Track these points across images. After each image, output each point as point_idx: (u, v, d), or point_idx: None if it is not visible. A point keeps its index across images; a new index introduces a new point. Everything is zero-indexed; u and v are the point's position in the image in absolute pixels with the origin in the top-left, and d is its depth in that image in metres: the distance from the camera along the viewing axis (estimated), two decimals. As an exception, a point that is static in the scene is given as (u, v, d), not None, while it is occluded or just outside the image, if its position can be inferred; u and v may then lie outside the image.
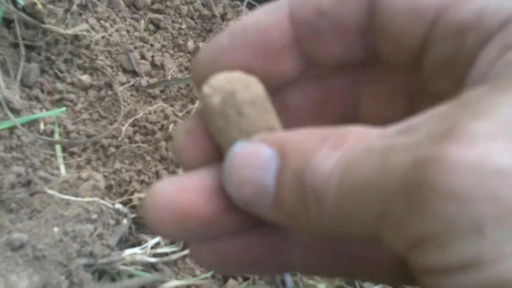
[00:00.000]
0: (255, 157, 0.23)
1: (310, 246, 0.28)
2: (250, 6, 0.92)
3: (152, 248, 0.71)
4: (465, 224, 0.16)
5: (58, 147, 0.76)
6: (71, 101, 0.81)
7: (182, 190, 0.25)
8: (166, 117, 0.79)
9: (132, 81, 0.83)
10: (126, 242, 0.72)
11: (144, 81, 0.82)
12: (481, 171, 0.16)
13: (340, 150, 0.21)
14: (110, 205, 0.70)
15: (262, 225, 0.26)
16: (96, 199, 0.70)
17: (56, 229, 0.67)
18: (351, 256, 0.28)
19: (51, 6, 0.83)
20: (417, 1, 0.24)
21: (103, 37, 0.84)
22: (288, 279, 0.63)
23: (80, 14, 0.86)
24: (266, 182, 0.23)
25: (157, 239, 0.72)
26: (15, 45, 0.83)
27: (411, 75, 0.28)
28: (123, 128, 0.77)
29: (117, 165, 0.75)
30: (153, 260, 0.70)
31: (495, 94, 0.18)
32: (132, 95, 0.82)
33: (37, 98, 0.80)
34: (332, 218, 0.21)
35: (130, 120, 0.77)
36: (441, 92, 0.26)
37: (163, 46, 0.87)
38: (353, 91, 0.30)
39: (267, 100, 0.26)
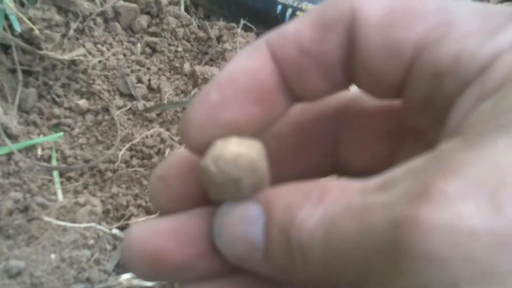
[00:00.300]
0: (244, 214, 0.24)
1: None
2: (246, 28, 0.92)
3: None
4: (442, 286, 0.16)
5: (55, 173, 0.77)
6: (69, 126, 0.81)
7: (154, 234, 0.26)
8: (162, 141, 0.79)
9: (129, 104, 0.83)
10: (123, 266, 0.72)
11: (140, 104, 0.83)
12: (454, 232, 0.16)
13: (322, 207, 0.21)
14: (107, 230, 0.71)
15: (241, 271, 0.26)
16: (93, 224, 0.70)
17: (53, 256, 0.67)
18: None
19: (48, 32, 0.84)
20: (395, 39, 0.24)
21: (100, 61, 0.85)
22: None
23: (77, 39, 0.87)
24: (255, 237, 0.23)
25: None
26: (13, 71, 0.83)
27: (390, 114, 0.28)
28: (120, 153, 0.77)
29: (114, 189, 0.75)
30: (150, 284, 0.70)
31: (467, 149, 0.18)
32: (129, 119, 0.82)
33: (34, 123, 0.80)
34: (318, 273, 0.21)
35: (127, 145, 0.77)
36: (422, 128, 0.26)
37: (159, 69, 0.88)
38: (331, 137, 0.30)
39: (266, 173, 0.25)
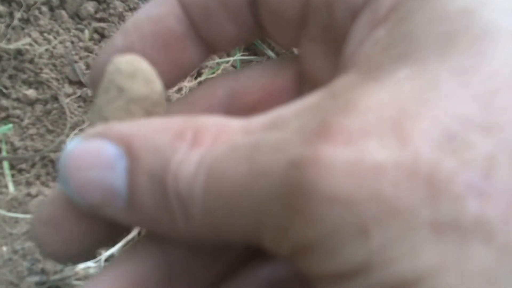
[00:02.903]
0: (97, 156, 0.20)
1: None
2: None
3: (106, 260, 0.69)
4: (349, 228, 0.15)
5: (5, 164, 0.75)
6: (18, 117, 0.79)
7: None
8: (114, 126, 0.77)
9: (79, 92, 0.81)
10: (79, 256, 0.71)
11: (90, 91, 0.81)
12: (359, 169, 0.15)
13: (200, 148, 0.19)
14: (60, 220, 0.69)
15: None
16: (45, 214, 0.68)
17: (4, 248, 0.66)
18: None
19: (-9, 22, 0.82)
20: None
21: (47, 49, 0.83)
22: None
23: (23, 29, 0.85)
24: (114, 183, 0.20)
25: (110, 251, 0.70)
26: (-43, 64, 0.81)
27: (295, 61, 0.27)
28: (68, 140, 0.75)
29: (67, 178, 0.74)
30: (107, 272, 0.69)
31: (364, 83, 0.17)
32: (79, 106, 0.81)
33: (-18, 117, 0.78)
34: (202, 225, 0.19)
35: (75, 131, 0.76)
36: (321, 77, 0.24)
37: (108, 54, 0.86)
38: None
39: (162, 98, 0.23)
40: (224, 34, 0.26)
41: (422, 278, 0.14)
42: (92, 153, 0.20)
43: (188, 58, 0.26)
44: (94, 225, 0.23)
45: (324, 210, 0.15)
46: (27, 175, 0.75)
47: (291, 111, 0.18)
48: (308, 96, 0.18)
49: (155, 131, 0.20)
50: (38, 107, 0.80)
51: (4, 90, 0.81)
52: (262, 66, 0.28)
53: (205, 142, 0.19)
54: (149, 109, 0.22)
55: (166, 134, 0.19)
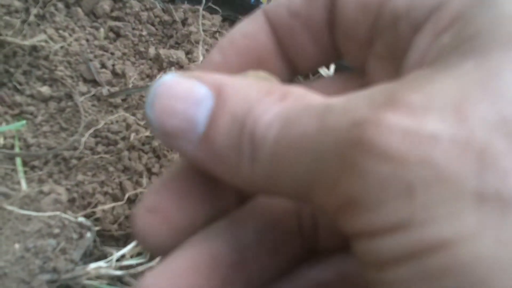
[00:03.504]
0: (187, 90, 0.22)
1: None
2: (211, 10, 0.91)
3: (117, 260, 0.69)
4: (396, 186, 0.16)
5: (18, 161, 0.74)
6: (31, 113, 0.79)
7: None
8: (128, 126, 0.77)
9: (93, 90, 0.81)
10: (90, 255, 0.71)
11: (105, 90, 0.81)
12: (416, 136, 0.17)
13: (282, 105, 0.21)
14: (72, 219, 0.69)
15: None
16: (58, 213, 0.68)
17: (17, 246, 0.66)
18: None
19: (7, 18, 0.81)
20: None
21: (62, 47, 0.83)
22: None
23: (38, 25, 0.84)
24: (196, 117, 0.22)
25: (122, 251, 0.70)
26: (-28, 59, 0.81)
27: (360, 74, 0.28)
28: (83, 139, 0.75)
29: (80, 177, 0.74)
30: (119, 273, 0.69)
31: (431, 73, 0.19)
32: (93, 105, 0.81)
33: (-4, 112, 0.78)
34: (264, 170, 0.21)
35: (90, 131, 0.76)
36: None
37: (123, 54, 0.86)
38: None
39: None
40: (307, 55, 0.28)
41: (460, 240, 0.16)
42: (184, 87, 0.22)
43: (279, 75, 0.28)
44: (200, 211, 0.25)
45: (376, 166, 0.17)
46: (40, 172, 0.75)
47: (363, 91, 0.20)
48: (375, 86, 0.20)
49: (247, 85, 0.22)
50: (52, 105, 0.80)
51: (18, 86, 0.81)
52: (332, 78, 0.30)
53: (288, 101, 0.21)
54: None
55: (258, 89, 0.22)
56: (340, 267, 0.27)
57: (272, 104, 0.21)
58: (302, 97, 0.21)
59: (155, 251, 0.25)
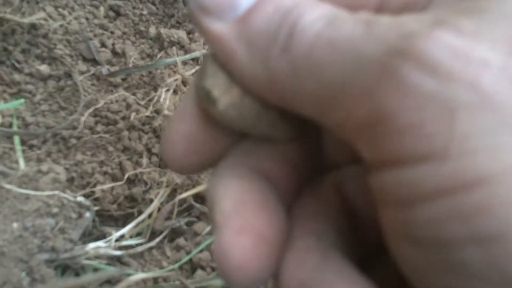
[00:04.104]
0: None
1: None
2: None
3: (116, 241, 0.69)
4: (438, 105, 0.15)
5: (16, 140, 0.74)
6: (30, 92, 0.78)
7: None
8: (128, 106, 0.76)
9: (93, 70, 0.80)
10: (89, 235, 0.70)
11: (105, 69, 0.80)
12: (466, 56, 0.15)
13: (330, 7, 0.19)
14: (71, 198, 0.68)
15: None
16: (56, 192, 0.68)
17: (15, 225, 0.65)
18: None
19: (6, -5, 0.80)
20: None
21: (61, 25, 0.82)
22: None
23: (37, 2, 0.83)
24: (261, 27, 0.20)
25: (121, 231, 0.70)
26: (-30, 36, 0.80)
27: None
28: (82, 119, 0.74)
29: (79, 156, 0.73)
30: (118, 253, 0.68)
31: (482, 4, 0.17)
32: (92, 84, 0.80)
33: (-7, 90, 0.77)
34: (291, 65, 0.19)
35: (90, 110, 0.75)
36: None
37: (123, 33, 0.85)
38: None
39: None
40: None
41: (500, 177, 0.14)
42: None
43: None
44: (225, 136, 0.24)
45: (421, 78, 0.15)
46: (38, 151, 0.74)
47: (410, 15, 0.18)
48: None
49: None
50: (51, 83, 0.79)
51: (16, 65, 0.80)
52: None
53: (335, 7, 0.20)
54: None
55: None
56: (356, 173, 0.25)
57: (320, 5, 0.19)
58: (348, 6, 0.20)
59: (184, 171, 0.25)
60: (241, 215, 0.21)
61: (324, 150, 0.26)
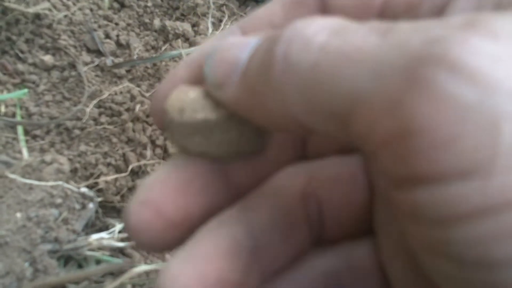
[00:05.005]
0: (241, 40, 0.21)
1: None
2: (218, -17, 0.90)
3: (119, 232, 0.69)
4: (481, 117, 0.14)
5: (20, 130, 0.73)
6: (33, 82, 0.78)
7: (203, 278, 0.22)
8: (132, 97, 0.76)
9: (97, 61, 0.80)
10: (92, 226, 0.70)
11: (109, 61, 0.80)
12: (505, 63, 0.14)
13: (330, 20, 0.18)
14: (75, 189, 0.68)
15: None
16: (60, 183, 0.67)
17: (19, 215, 0.65)
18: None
19: (10, -16, 0.80)
20: None
21: (65, 16, 0.81)
22: None
23: (41, -8, 0.83)
24: (239, 58, 0.20)
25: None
26: (-27, 25, 0.79)
27: None
28: (87, 110, 0.74)
29: (82, 147, 0.73)
30: (121, 244, 0.68)
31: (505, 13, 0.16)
32: (96, 76, 0.79)
33: (-3, 80, 0.77)
34: (296, 85, 0.17)
35: (94, 101, 0.74)
36: None
37: (128, 24, 0.84)
38: None
39: None
40: None
41: None
42: (240, 40, 0.21)
43: None
44: (196, 204, 0.23)
45: (460, 88, 0.14)
46: (42, 141, 0.74)
47: (431, 20, 0.17)
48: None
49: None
50: (55, 74, 0.79)
51: (20, 54, 0.79)
52: None
53: (335, 18, 0.18)
54: None
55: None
56: (347, 255, 0.25)
57: (317, 18, 0.18)
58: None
59: (149, 246, 0.24)
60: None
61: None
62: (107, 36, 0.82)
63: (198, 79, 0.24)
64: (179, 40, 0.82)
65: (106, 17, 0.84)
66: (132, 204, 0.23)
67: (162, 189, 0.23)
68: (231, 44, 0.21)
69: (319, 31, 0.17)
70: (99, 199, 0.70)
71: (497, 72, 0.14)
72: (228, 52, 0.21)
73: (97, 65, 0.80)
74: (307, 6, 0.24)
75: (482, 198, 0.14)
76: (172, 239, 0.23)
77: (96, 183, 0.70)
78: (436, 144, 0.14)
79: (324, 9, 0.24)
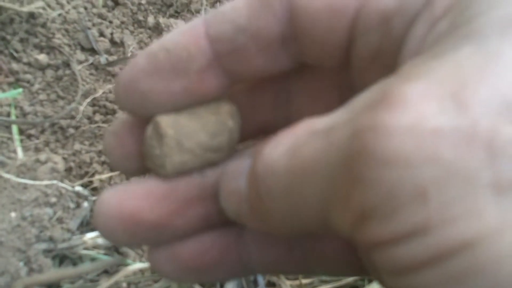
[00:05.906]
0: (238, 168, 0.24)
1: (264, 243, 0.28)
2: (212, -20, 0.89)
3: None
4: (407, 190, 0.16)
5: (14, 129, 0.73)
6: (28, 81, 0.78)
7: (128, 197, 0.26)
8: (126, 95, 0.76)
9: (91, 59, 0.80)
10: (87, 225, 0.70)
11: (103, 59, 0.79)
12: (417, 133, 0.16)
13: (287, 139, 0.21)
14: (69, 188, 0.68)
15: (215, 226, 0.28)
16: (55, 182, 0.67)
17: (13, 214, 0.65)
18: (305, 249, 0.28)
19: (4, -17, 0.80)
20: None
21: (59, 14, 0.81)
22: (260, 279, 0.61)
23: (35, -9, 0.83)
24: (240, 185, 0.24)
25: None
26: (-32, 25, 0.79)
27: (341, 73, 0.28)
28: (81, 108, 0.74)
29: (77, 146, 0.73)
30: (115, 243, 0.68)
31: (428, 60, 0.18)
32: (91, 74, 0.79)
33: (-8, 80, 0.77)
34: (282, 205, 0.21)
35: (88, 100, 0.74)
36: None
37: (122, 22, 0.84)
38: (282, 95, 0.30)
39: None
40: (251, 67, 0.27)
41: (483, 238, 0.15)
42: (236, 166, 0.25)
43: (208, 88, 0.27)
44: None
45: (382, 174, 0.16)
46: (36, 141, 0.74)
47: (363, 92, 0.19)
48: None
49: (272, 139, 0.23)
50: (49, 73, 0.79)
51: (14, 54, 0.79)
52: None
53: (292, 134, 0.21)
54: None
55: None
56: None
57: (277, 143, 0.21)
58: (307, 124, 0.21)
59: (114, 166, 0.31)
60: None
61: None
62: (101, 34, 0.82)
63: (156, 69, 0.26)
64: (173, 38, 0.82)
65: (100, 15, 0.84)
66: (107, 130, 0.28)
67: (126, 125, 0.29)
68: (231, 173, 0.24)
69: (281, 156, 0.21)
70: (94, 198, 0.70)
71: (409, 147, 0.16)
72: (230, 184, 0.24)
73: (92, 63, 0.80)
74: (273, 10, 0.25)
75: (424, 251, 0.16)
76: (132, 166, 0.29)
77: (91, 182, 0.71)
78: (383, 219, 0.17)
79: (291, 14, 0.24)
